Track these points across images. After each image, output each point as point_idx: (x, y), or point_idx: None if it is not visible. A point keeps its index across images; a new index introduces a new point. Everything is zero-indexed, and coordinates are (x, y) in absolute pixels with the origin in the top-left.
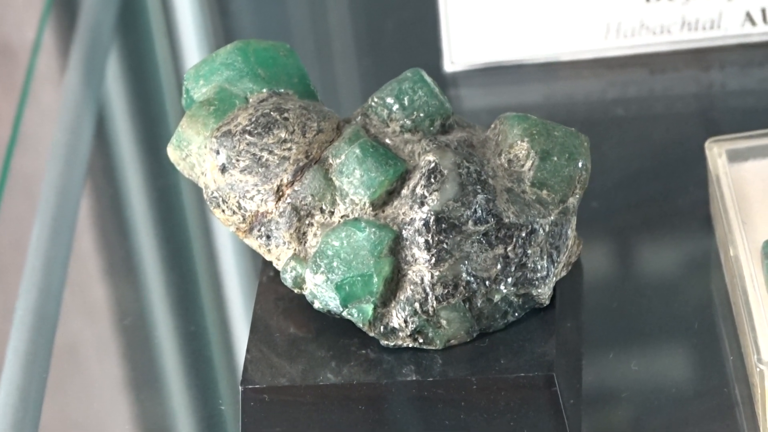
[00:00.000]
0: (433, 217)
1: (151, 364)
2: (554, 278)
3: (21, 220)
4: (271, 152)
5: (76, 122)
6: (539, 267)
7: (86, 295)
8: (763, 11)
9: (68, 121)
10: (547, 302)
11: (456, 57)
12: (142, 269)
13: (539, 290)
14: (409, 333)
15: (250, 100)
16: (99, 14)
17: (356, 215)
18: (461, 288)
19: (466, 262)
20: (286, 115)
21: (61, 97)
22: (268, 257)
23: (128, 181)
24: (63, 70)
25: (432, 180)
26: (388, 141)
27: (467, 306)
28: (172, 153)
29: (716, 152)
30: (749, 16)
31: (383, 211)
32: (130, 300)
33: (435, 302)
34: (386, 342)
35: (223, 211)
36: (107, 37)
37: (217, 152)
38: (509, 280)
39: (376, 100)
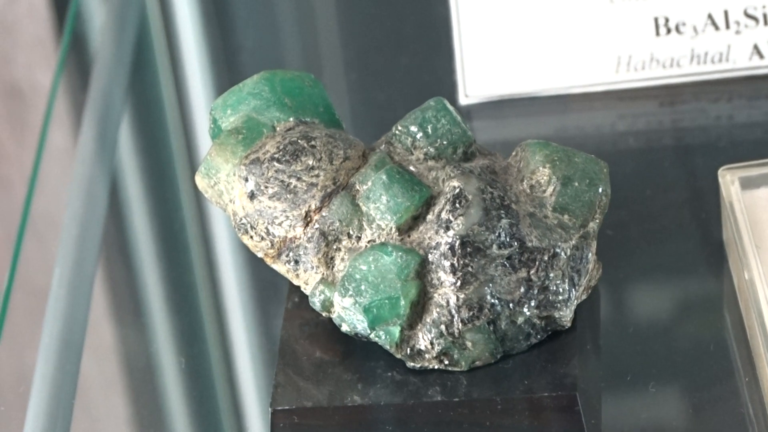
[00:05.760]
0: (458, 241)
1: (180, 389)
2: (575, 301)
3: (40, 264)
4: (299, 179)
5: (91, 172)
6: (561, 290)
7: (100, 334)
8: None
9: (85, 164)
10: (569, 324)
11: (470, 90)
12: (164, 299)
13: (561, 312)
14: (435, 355)
15: (278, 128)
16: (111, 74)
17: (383, 240)
18: (486, 310)
19: (491, 285)
20: (313, 142)
21: (76, 157)
22: (296, 282)
23: (143, 217)
24: (72, 112)
25: (457, 205)
26: (412, 168)
27: (492, 328)
28: (201, 181)
29: (729, 179)
30: (757, 49)
31: (409, 236)
32: (157, 326)
33: (460, 324)
34: (412, 364)
35: (252, 237)
36: (120, 97)
37: (246, 179)
38: (532, 302)
39: (400, 128)
